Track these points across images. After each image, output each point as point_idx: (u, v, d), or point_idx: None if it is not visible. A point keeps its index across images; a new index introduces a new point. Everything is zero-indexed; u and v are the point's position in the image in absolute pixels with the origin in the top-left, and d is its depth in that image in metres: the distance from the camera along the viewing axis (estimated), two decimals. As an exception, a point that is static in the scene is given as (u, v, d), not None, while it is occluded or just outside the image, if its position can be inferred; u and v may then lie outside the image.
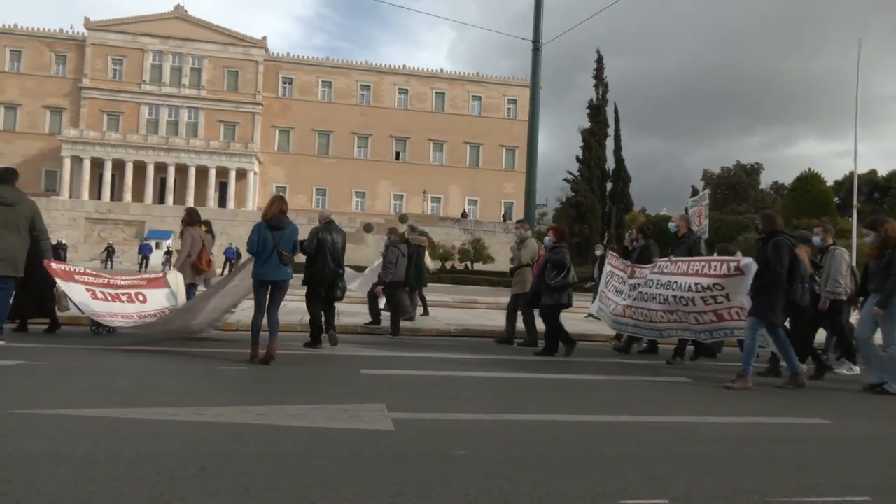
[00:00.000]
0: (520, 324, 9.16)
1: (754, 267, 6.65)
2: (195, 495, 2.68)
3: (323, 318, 7.82)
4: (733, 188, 72.53)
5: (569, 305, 8.22)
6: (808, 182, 39.48)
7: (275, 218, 6.61)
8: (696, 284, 7.20)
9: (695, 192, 73.63)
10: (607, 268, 9.18)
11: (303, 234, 7.21)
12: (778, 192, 68.44)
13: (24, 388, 4.84)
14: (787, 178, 55.90)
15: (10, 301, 7.19)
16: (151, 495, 2.66)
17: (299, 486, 2.87)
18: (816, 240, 7.94)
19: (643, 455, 3.72)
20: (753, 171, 74.79)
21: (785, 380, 6.58)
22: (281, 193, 8.30)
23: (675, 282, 7.42)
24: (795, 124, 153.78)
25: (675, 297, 7.37)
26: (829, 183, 44.58)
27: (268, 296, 6.66)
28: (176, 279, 8.61)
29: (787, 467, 3.62)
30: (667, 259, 7.91)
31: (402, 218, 50.39)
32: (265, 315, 6.58)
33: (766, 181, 76.05)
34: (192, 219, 9.02)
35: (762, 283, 6.44)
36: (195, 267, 8.87)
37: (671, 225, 8.86)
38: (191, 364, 6.26)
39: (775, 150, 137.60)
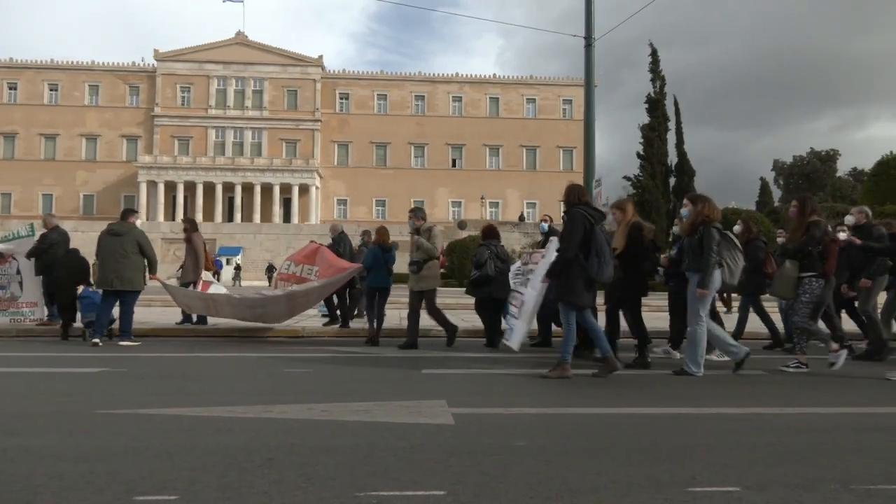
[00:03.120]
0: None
1: (553, 247, 6.31)
2: (262, 483, 2.77)
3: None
4: (807, 177, 69.11)
5: (497, 298, 8.05)
6: (891, 166, 37.04)
7: (384, 243, 8.94)
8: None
9: (764, 184, 70.88)
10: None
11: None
12: (857, 179, 64.64)
13: (107, 391, 5.16)
14: (866, 164, 52.66)
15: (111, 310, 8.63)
16: (222, 483, 2.76)
17: (360, 475, 2.91)
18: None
19: (713, 445, 3.57)
20: (829, 157, 71.00)
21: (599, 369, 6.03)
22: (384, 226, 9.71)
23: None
24: (866, 106, 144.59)
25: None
26: (915, 165, 41.71)
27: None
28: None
29: (872, 456, 3.40)
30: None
31: (461, 224, 50.59)
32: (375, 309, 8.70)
33: (843, 168, 72.07)
34: (194, 226, 10.74)
35: (557, 263, 6.04)
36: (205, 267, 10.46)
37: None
38: (258, 367, 6.49)
39: (846, 135, 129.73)
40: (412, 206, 8.69)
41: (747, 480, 2.92)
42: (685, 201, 6.51)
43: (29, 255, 9.82)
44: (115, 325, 8.80)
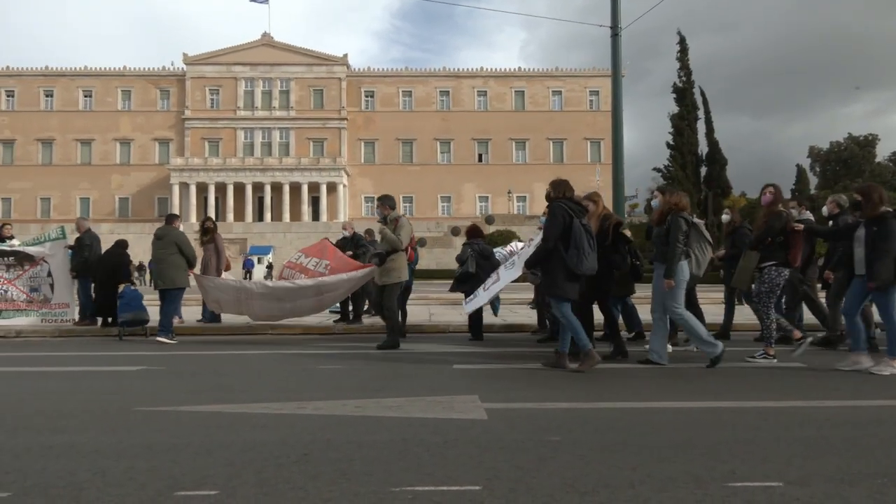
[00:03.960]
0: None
1: (538, 239, 6.45)
2: (299, 478, 2.80)
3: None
4: (845, 163, 67.07)
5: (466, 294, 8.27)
6: (933, 150, 35.62)
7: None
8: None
9: (800, 171, 69.07)
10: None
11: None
12: (897, 164, 62.66)
13: (146, 389, 5.29)
14: (907, 148, 50.81)
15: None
16: (260, 478, 2.80)
17: (395, 470, 2.93)
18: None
19: (752, 439, 3.50)
20: (867, 143, 68.69)
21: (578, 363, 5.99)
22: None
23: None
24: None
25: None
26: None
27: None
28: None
29: (919, 449, 3.29)
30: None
31: (489, 219, 50.39)
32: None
33: (882, 153, 69.75)
34: (215, 226, 10.84)
35: (536, 255, 6.21)
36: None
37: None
38: (292, 364, 6.57)
39: (883, 119, 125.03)
40: (384, 195, 8.15)
41: (788, 475, 2.86)
42: (655, 192, 6.63)
43: (74, 267, 10.20)
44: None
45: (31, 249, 10.26)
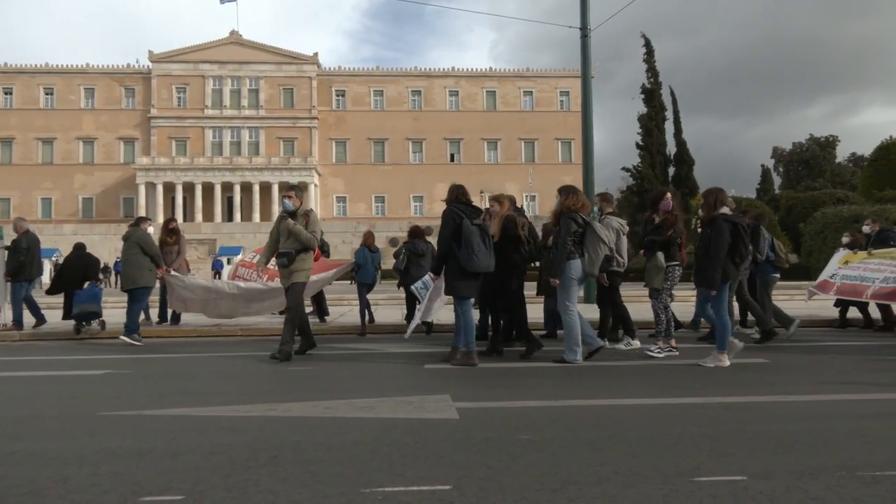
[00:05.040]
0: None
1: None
2: (267, 481, 2.77)
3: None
4: (807, 164, 68.90)
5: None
6: (891, 151, 36.91)
7: (371, 245, 9.99)
8: None
9: (765, 171, 70.71)
10: None
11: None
12: (857, 165, 64.50)
13: (110, 393, 5.15)
14: (861, 149, 52.50)
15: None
16: (227, 482, 2.76)
17: (365, 471, 2.92)
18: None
19: (716, 434, 3.58)
20: (828, 144, 70.72)
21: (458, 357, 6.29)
22: (370, 229, 10.91)
23: None
24: (859, 92, 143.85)
25: None
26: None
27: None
28: None
29: (876, 443, 3.40)
30: None
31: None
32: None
33: (842, 154, 71.87)
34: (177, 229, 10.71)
35: (436, 260, 6.55)
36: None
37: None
38: (260, 365, 6.48)
39: (840, 121, 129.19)
40: (292, 185, 7.28)
41: (752, 469, 2.93)
42: (556, 193, 6.87)
43: (9, 271, 9.79)
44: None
45: None
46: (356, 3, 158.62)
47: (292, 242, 6.92)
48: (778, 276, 8.76)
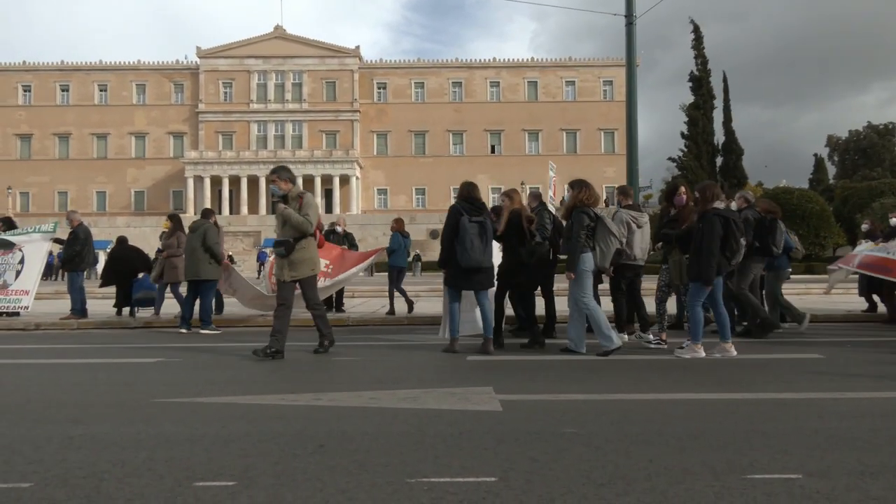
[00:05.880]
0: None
1: None
2: (315, 469, 2.82)
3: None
4: (864, 152, 66.01)
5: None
6: (955, 138, 34.97)
7: (402, 230, 11.11)
8: None
9: (818, 161, 68.08)
10: None
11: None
12: (919, 153, 61.51)
13: (163, 380, 5.34)
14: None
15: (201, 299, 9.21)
16: (276, 469, 2.82)
17: (411, 461, 2.93)
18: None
19: (770, 431, 3.47)
20: (888, 131, 67.55)
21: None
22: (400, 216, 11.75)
23: None
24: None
25: None
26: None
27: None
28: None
29: (942, 442, 3.24)
30: None
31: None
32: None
33: (903, 141, 68.46)
34: (181, 224, 10.27)
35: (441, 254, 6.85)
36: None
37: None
38: (306, 355, 6.60)
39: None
40: (279, 166, 6.51)
41: (808, 467, 2.83)
42: (567, 187, 6.94)
43: (66, 259, 10.33)
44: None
45: (14, 238, 10.43)
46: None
47: (289, 230, 6.31)
48: (790, 269, 8.78)
